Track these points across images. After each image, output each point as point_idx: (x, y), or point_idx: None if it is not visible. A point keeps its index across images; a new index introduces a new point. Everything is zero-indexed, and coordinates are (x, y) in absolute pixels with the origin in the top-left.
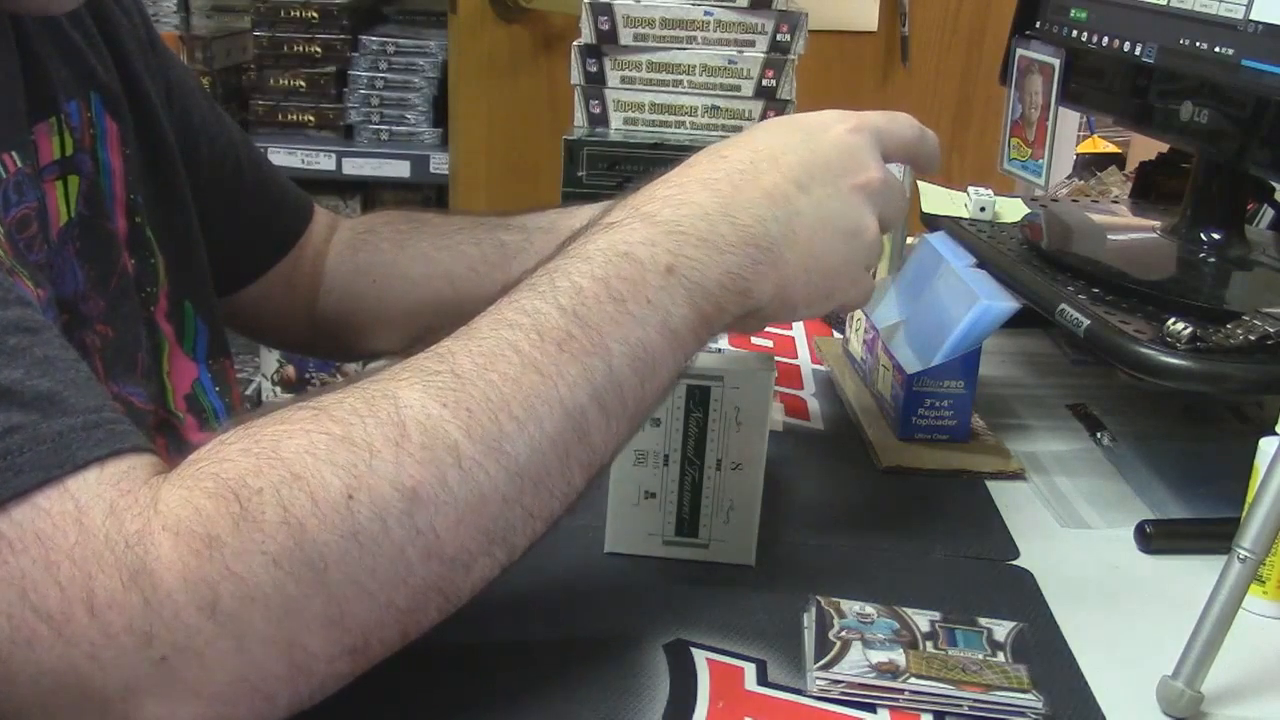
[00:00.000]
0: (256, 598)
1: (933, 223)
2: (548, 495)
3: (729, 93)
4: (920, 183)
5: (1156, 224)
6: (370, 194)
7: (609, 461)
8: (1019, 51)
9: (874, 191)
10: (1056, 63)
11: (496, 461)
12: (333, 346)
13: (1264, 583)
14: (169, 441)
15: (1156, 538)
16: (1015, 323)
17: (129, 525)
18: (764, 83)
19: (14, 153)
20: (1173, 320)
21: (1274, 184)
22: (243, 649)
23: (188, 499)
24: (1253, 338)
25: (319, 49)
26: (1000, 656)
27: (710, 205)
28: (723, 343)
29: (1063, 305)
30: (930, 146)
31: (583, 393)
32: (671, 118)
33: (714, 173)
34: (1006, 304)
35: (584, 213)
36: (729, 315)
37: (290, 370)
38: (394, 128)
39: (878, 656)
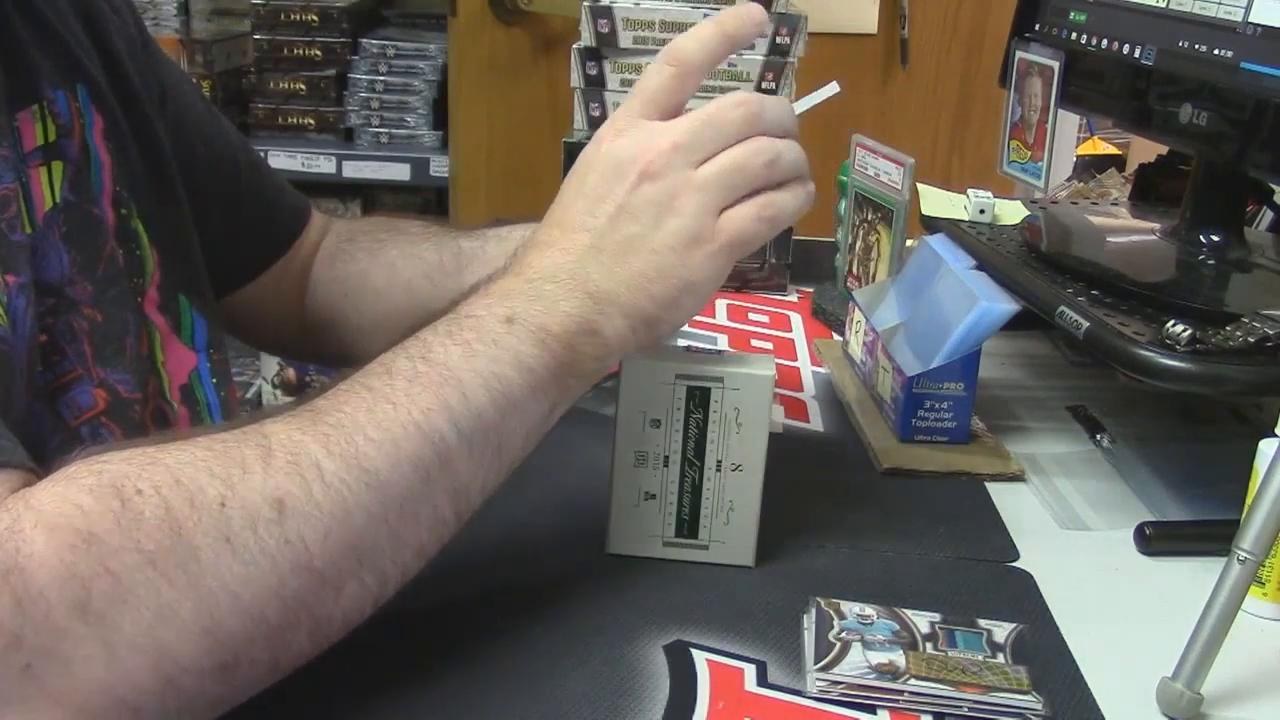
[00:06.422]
0: (129, 600)
1: (932, 225)
2: (413, 519)
3: None
4: (920, 185)
5: (1156, 226)
6: (370, 197)
7: (479, 499)
8: (1018, 54)
9: (657, 173)
10: (1056, 65)
11: (358, 477)
12: (320, 351)
13: (1264, 584)
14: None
15: (1156, 539)
16: (1015, 325)
17: None
18: (763, 85)
19: None
20: (1172, 322)
21: (1273, 186)
22: (111, 655)
23: (66, 495)
24: (1252, 340)
25: (319, 52)
26: (1000, 658)
27: (535, 275)
28: (722, 344)
29: (1062, 307)
30: (724, 25)
31: (439, 417)
32: None
33: (527, 259)
34: (1006, 306)
35: (527, 230)
36: (588, 356)
37: (290, 373)
38: (394, 130)
39: (877, 658)
